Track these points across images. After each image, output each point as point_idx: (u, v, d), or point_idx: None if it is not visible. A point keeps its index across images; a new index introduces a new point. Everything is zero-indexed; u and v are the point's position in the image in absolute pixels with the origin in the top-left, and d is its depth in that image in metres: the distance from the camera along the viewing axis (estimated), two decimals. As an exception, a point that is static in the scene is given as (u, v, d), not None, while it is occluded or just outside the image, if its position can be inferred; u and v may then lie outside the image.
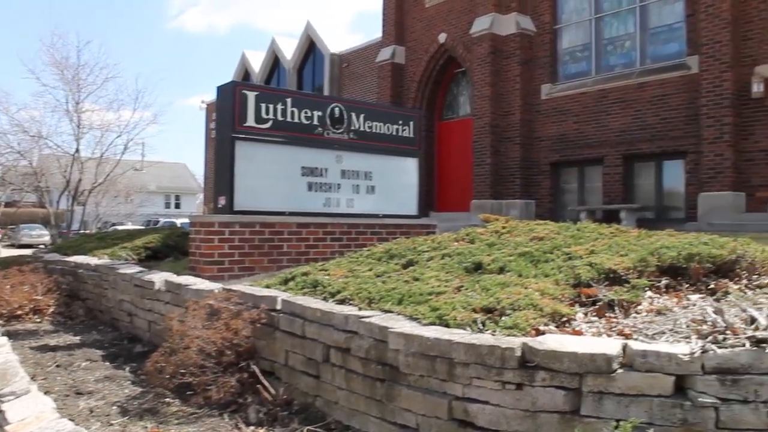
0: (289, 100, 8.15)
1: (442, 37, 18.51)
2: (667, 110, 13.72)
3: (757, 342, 3.12)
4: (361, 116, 8.81)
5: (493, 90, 16.40)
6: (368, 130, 8.84)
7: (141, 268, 8.43)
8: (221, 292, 5.84)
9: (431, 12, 19.05)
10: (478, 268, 5.00)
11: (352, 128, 8.67)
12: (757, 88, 12.27)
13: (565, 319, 3.95)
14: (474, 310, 4.02)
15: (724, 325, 3.42)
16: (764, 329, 3.28)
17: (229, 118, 7.65)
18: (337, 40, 25.65)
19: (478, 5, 17.08)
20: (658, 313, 4.00)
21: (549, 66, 16.25)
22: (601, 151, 14.81)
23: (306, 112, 8.27)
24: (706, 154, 12.67)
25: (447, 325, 3.95)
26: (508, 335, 3.65)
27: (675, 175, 13.93)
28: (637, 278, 4.43)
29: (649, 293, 4.34)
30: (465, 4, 17.83)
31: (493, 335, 3.68)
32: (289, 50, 27.02)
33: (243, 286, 6.08)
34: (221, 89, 7.95)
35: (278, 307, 5.25)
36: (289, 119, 8.09)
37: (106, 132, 25.11)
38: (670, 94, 13.71)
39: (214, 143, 9.22)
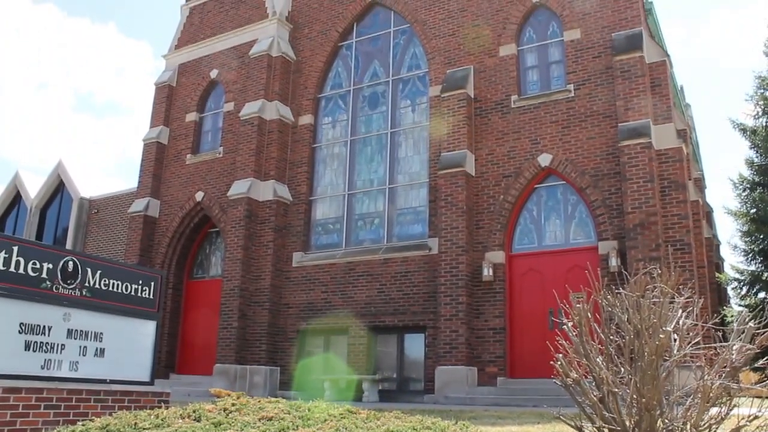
0: (15, 249, 7.39)
1: (199, 196, 18.46)
2: (410, 286, 14.60)
3: None
4: (98, 272, 8.22)
5: (246, 253, 16.42)
6: (104, 288, 8.24)
7: None
8: None
9: (191, 169, 19.06)
10: (201, 452, 4.65)
11: (86, 285, 8.04)
12: (487, 272, 13.55)
13: None
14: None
15: None
16: None
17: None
18: (91, 184, 24.44)
19: (237, 169, 17.40)
20: (382, 503, 3.95)
21: (302, 235, 16.74)
22: (347, 322, 15.20)
23: (34, 264, 7.54)
24: (443, 329, 13.49)
25: None
26: None
27: (416, 347, 14.61)
28: (364, 464, 4.39)
29: (373, 481, 4.30)
30: (225, 166, 18.10)
31: None
32: (34, 187, 25.11)
33: None
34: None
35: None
36: (12, 269, 7.28)
37: None
38: (413, 272, 14.66)
39: None
